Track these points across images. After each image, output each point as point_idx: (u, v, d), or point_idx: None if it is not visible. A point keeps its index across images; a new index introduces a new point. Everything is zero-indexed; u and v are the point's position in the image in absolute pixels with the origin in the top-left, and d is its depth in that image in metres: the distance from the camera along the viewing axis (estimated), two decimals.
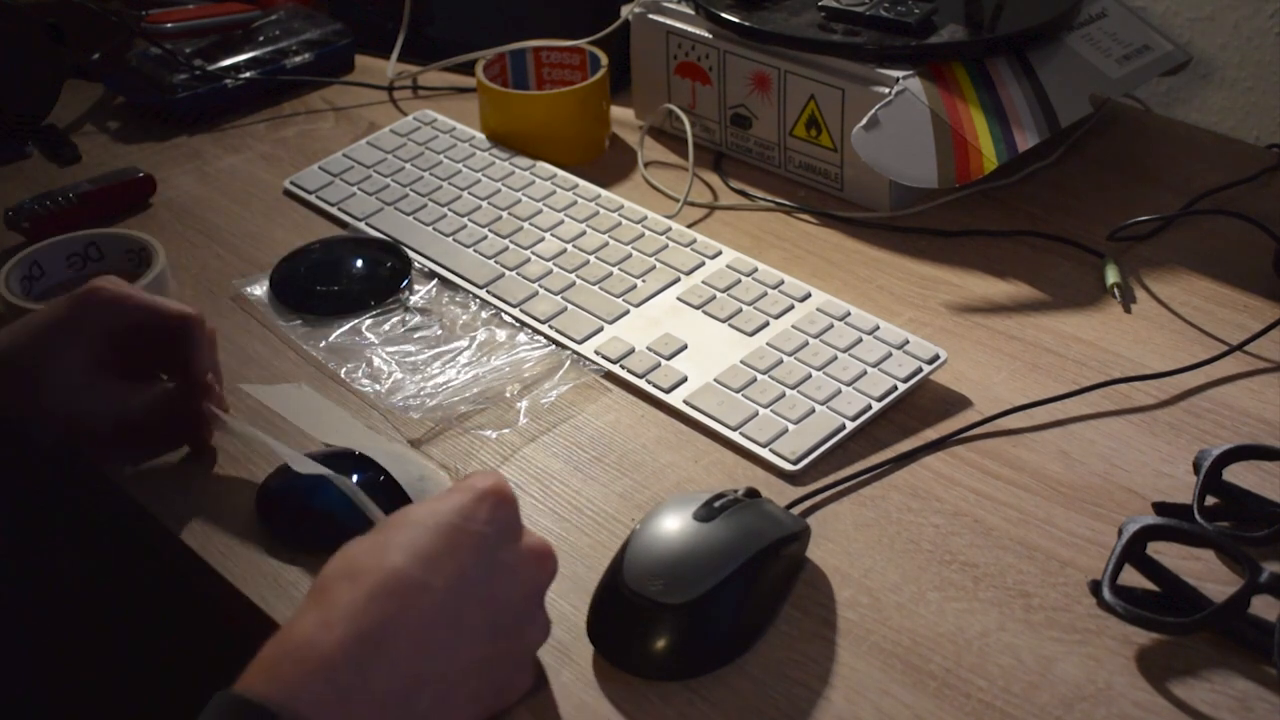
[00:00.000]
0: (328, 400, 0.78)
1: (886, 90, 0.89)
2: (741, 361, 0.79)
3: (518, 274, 0.88)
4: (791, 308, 0.83)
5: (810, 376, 0.77)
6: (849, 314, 0.82)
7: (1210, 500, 0.68)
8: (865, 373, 0.77)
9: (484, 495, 0.58)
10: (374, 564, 0.55)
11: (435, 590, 0.55)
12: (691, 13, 1.00)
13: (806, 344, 0.80)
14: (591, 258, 0.89)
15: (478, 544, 0.57)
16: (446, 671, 0.55)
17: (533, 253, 0.90)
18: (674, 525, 0.63)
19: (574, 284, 0.87)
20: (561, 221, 0.92)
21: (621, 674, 0.62)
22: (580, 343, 0.82)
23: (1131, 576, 0.64)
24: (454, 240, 0.92)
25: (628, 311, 0.84)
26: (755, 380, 0.78)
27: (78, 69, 1.13)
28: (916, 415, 0.76)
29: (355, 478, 0.69)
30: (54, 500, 0.71)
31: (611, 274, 0.87)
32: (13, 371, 0.71)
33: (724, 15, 0.96)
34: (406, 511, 0.58)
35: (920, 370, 0.77)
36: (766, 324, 0.82)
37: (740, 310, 0.83)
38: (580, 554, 0.68)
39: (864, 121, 0.88)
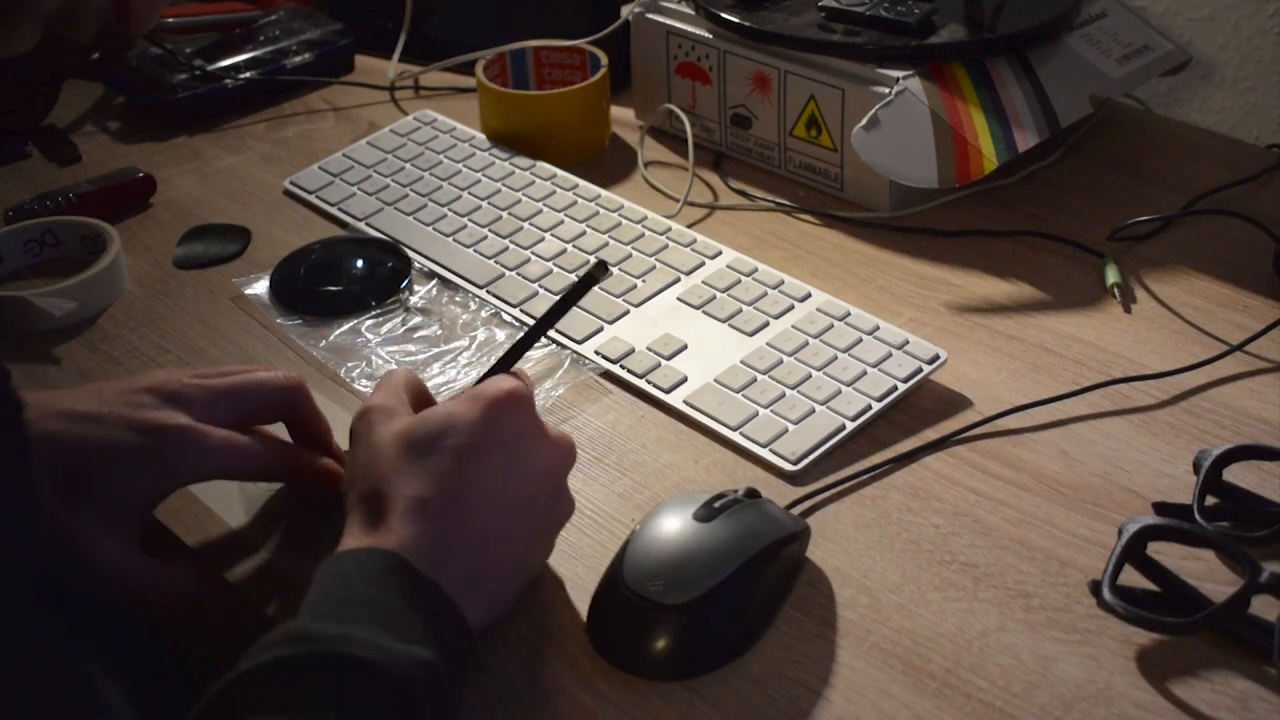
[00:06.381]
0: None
1: (886, 90, 0.89)
2: (741, 361, 0.79)
3: (518, 274, 0.88)
4: (791, 308, 0.83)
5: (810, 377, 0.77)
6: (849, 314, 0.82)
7: (1210, 500, 0.68)
8: (865, 373, 0.77)
9: (497, 404, 0.62)
10: (404, 491, 0.59)
11: (470, 515, 0.60)
12: (691, 13, 1.00)
13: (806, 344, 0.80)
14: (592, 258, 0.89)
15: (505, 455, 0.61)
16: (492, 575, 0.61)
17: (533, 253, 0.90)
18: (674, 525, 0.63)
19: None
20: (561, 221, 0.92)
21: (621, 674, 0.62)
22: (580, 343, 0.82)
23: (1131, 576, 0.64)
24: (454, 240, 0.92)
25: (628, 311, 0.84)
26: (755, 380, 0.78)
27: (78, 69, 1.13)
28: (916, 415, 0.76)
29: None
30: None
31: (611, 274, 0.87)
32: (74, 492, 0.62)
33: (724, 15, 0.96)
34: (426, 426, 0.61)
35: (920, 370, 0.77)
36: (766, 324, 0.82)
37: (740, 310, 0.83)
38: (580, 554, 0.68)
39: (864, 121, 0.88)
